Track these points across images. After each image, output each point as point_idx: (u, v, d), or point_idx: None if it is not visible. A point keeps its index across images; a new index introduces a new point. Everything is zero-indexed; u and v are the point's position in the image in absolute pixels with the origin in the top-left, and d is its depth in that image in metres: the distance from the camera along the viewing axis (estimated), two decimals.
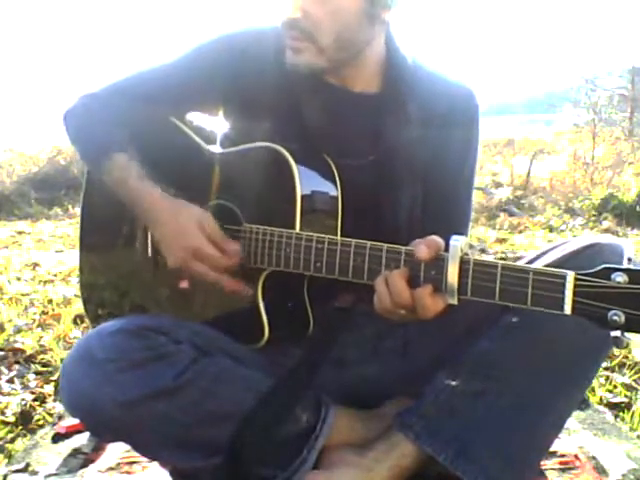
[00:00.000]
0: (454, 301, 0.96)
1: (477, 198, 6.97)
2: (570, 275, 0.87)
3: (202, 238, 1.13)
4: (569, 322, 1.03)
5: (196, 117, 1.34)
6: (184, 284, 1.23)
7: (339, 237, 1.11)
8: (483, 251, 4.31)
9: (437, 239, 0.98)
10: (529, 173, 8.14)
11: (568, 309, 0.87)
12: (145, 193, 1.19)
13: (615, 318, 0.84)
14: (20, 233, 5.50)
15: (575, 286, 0.87)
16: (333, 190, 1.19)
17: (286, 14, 1.14)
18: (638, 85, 12.45)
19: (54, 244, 4.86)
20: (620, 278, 0.84)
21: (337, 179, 1.20)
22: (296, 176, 1.13)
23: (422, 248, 0.98)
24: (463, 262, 0.94)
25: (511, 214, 6.59)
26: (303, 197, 1.13)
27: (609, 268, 0.85)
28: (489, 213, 6.54)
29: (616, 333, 0.85)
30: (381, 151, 1.22)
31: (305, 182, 1.14)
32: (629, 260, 0.88)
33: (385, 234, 1.09)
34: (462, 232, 1.27)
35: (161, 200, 1.18)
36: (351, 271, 1.05)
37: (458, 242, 0.95)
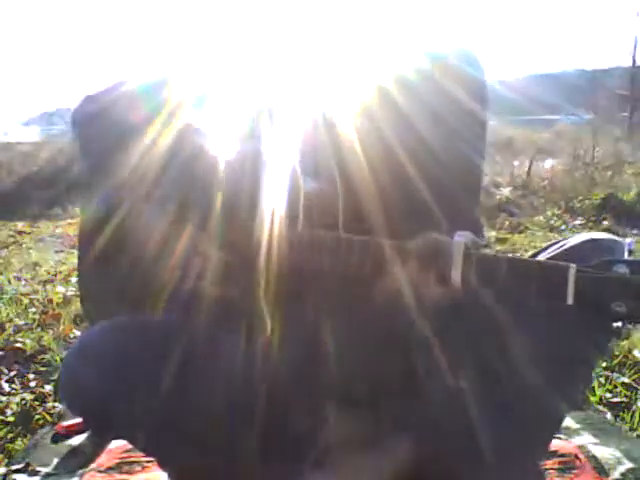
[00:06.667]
0: (459, 297, 0.96)
1: None
2: (572, 267, 0.88)
3: None
4: (568, 322, 1.03)
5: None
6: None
7: (351, 235, 1.11)
8: None
9: (436, 235, 0.99)
10: (529, 173, 8.14)
11: (571, 301, 0.88)
12: None
13: (618, 309, 0.85)
14: (20, 233, 5.50)
15: (578, 278, 0.88)
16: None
17: None
18: (638, 85, 12.45)
19: (54, 244, 4.86)
20: (622, 270, 0.86)
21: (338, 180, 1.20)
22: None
23: (417, 243, 0.99)
24: (467, 258, 0.94)
25: (511, 214, 6.59)
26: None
27: (610, 260, 0.87)
28: (489, 213, 6.54)
29: (618, 324, 0.87)
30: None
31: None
32: (630, 252, 0.89)
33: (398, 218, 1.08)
34: (473, 208, 1.26)
35: None
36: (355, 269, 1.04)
37: (462, 238, 0.95)
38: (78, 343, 1.14)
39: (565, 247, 1.09)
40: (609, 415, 1.66)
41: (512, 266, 0.92)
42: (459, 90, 1.22)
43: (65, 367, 1.13)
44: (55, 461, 1.41)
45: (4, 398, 1.85)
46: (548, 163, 9.31)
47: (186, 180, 1.16)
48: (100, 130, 1.29)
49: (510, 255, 0.96)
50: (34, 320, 2.63)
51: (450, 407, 1.11)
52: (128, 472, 1.35)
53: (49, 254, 4.37)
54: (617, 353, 2.06)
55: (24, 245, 4.86)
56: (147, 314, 1.26)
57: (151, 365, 1.08)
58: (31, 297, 3.03)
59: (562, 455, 1.37)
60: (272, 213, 1.16)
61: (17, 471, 1.39)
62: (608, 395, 1.81)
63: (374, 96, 1.21)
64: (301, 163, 1.16)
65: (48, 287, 3.25)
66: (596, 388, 1.83)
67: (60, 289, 3.18)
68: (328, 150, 1.22)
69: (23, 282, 3.42)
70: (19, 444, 1.59)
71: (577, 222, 6.08)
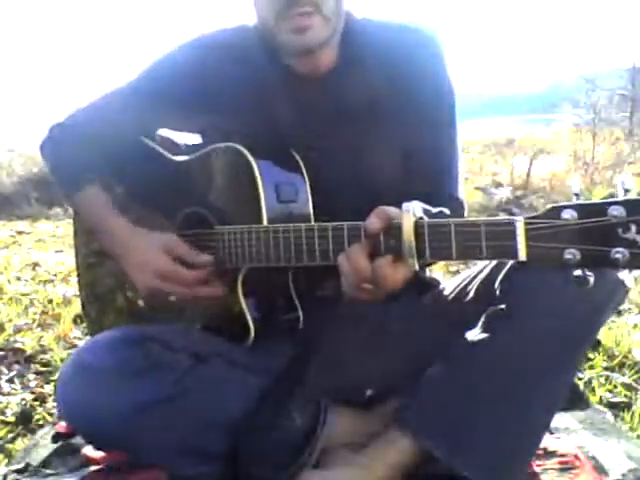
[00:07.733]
0: (415, 266, 0.94)
1: (477, 198, 6.97)
2: (520, 221, 0.85)
3: (166, 261, 1.15)
4: (555, 307, 1.03)
5: (164, 131, 1.36)
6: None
7: (312, 223, 1.11)
8: None
9: (386, 208, 0.97)
10: (529, 173, 8.14)
11: (523, 255, 0.85)
12: (111, 227, 1.22)
13: (569, 257, 0.81)
14: (20, 233, 5.50)
15: (526, 231, 0.84)
16: (299, 180, 1.19)
17: None
18: (638, 85, 12.45)
19: (54, 244, 4.86)
20: (569, 215, 0.81)
21: (303, 168, 1.20)
22: (256, 171, 1.12)
23: (371, 220, 0.97)
24: (418, 226, 0.93)
25: (511, 214, 6.59)
26: (266, 191, 1.13)
27: (557, 207, 0.82)
28: (489, 213, 6.54)
29: (577, 272, 0.82)
30: (350, 123, 1.22)
31: (267, 176, 1.13)
32: (576, 196, 0.83)
33: (370, 204, 1.05)
34: (449, 187, 1.27)
35: (125, 233, 1.21)
36: (318, 255, 1.04)
37: (410, 207, 0.93)
38: (73, 357, 1.14)
39: None
40: (609, 415, 1.66)
41: (461, 229, 0.90)
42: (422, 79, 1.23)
43: (61, 381, 1.14)
44: (55, 461, 1.41)
45: (4, 398, 1.85)
46: (548, 163, 9.30)
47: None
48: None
49: (458, 218, 0.93)
50: (34, 320, 2.63)
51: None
52: (128, 472, 1.34)
53: (49, 254, 4.37)
54: (617, 353, 2.06)
55: (24, 245, 4.86)
56: (140, 325, 1.27)
57: (147, 376, 1.08)
58: (31, 297, 3.03)
59: (562, 455, 1.37)
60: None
61: (17, 471, 1.38)
62: (608, 395, 1.81)
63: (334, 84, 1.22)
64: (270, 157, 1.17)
65: (48, 287, 3.25)
66: (596, 388, 1.83)
67: (60, 289, 3.18)
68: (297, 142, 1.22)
69: (23, 282, 3.42)
70: (19, 444, 1.59)
71: None
